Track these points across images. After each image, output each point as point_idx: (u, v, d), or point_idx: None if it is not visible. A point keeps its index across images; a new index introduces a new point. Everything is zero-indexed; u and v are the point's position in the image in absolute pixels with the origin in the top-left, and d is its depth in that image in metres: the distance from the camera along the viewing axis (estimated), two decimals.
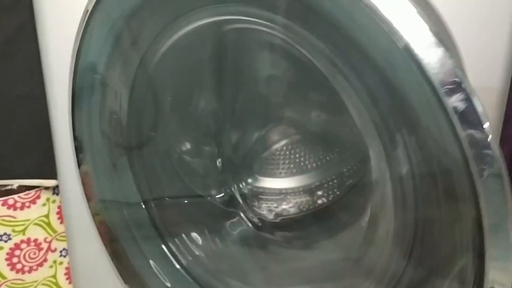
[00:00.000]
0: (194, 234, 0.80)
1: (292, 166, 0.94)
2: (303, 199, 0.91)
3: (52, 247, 0.84)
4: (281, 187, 0.93)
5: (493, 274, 0.39)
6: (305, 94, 0.84)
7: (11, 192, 0.76)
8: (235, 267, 0.80)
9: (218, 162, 0.91)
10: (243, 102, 0.86)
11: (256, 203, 0.91)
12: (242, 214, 0.87)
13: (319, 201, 0.88)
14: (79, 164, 0.68)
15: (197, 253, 0.78)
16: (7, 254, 0.79)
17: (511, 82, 0.64)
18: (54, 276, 0.86)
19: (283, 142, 0.94)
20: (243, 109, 0.88)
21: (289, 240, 0.84)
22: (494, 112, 0.64)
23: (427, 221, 0.47)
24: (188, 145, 0.88)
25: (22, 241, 0.80)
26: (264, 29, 0.61)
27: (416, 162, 0.44)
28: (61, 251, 0.85)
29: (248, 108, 0.88)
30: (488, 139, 0.36)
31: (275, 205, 0.90)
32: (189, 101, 0.85)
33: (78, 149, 0.68)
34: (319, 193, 0.89)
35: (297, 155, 0.94)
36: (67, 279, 0.87)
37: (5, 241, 0.79)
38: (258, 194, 0.92)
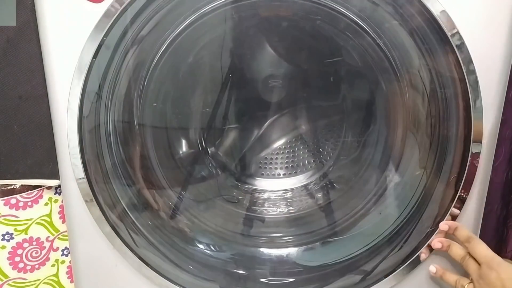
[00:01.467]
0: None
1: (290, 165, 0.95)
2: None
3: (54, 246, 0.84)
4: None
5: None
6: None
7: (13, 191, 0.77)
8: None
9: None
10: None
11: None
12: None
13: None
14: None
15: None
16: (9, 253, 0.80)
17: (508, 84, 0.64)
18: (56, 275, 0.86)
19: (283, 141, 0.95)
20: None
21: None
22: (492, 113, 0.64)
23: None
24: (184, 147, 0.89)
25: (24, 240, 0.80)
26: None
27: None
28: (63, 250, 0.85)
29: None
30: None
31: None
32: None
33: None
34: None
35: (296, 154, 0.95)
36: (68, 277, 0.88)
37: (8, 240, 0.79)
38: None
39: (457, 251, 0.66)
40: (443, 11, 0.59)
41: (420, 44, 0.65)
